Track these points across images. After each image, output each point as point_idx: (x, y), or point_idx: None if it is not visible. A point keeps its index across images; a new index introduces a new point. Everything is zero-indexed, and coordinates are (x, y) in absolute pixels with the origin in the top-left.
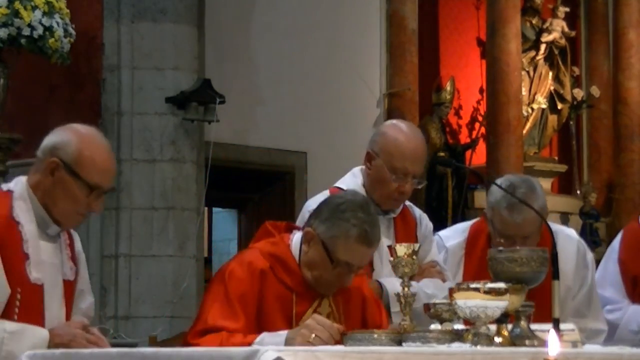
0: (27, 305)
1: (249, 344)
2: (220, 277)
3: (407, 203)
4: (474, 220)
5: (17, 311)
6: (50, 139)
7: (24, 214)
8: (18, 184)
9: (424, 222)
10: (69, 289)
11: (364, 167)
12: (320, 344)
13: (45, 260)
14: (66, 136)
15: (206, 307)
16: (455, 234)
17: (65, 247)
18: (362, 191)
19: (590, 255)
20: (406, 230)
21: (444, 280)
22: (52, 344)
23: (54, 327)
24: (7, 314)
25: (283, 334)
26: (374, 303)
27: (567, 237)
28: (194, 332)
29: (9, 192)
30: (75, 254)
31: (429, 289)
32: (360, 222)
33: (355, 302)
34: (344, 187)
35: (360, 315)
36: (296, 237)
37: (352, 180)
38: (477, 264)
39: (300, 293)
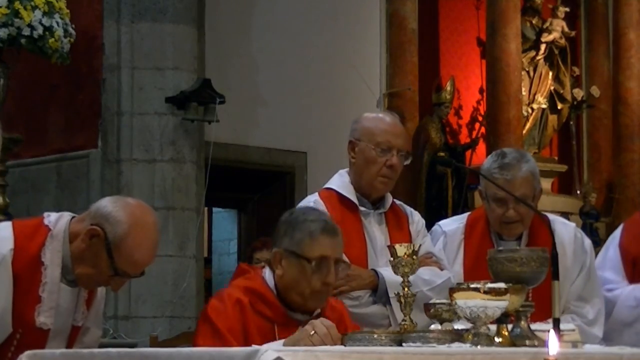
0: (25, 347)
1: None
2: (204, 317)
3: (397, 202)
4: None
5: (13, 349)
6: (108, 207)
7: (52, 255)
8: (60, 222)
9: (416, 217)
10: (75, 333)
11: (348, 169)
12: (317, 341)
13: (60, 305)
14: (121, 214)
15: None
16: (453, 222)
17: (84, 291)
18: (349, 189)
19: (588, 241)
20: (398, 224)
21: (440, 269)
22: None
23: None
24: (2, 353)
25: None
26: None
27: (564, 224)
28: None
29: (48, 228)
30: (92, 298)
31: (426, 276)
32: (317, 218)
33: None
34: (334, 187)
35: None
36: (268, 269)
37: (340, 179)
38: (476, 249)
39: (282, 323)
